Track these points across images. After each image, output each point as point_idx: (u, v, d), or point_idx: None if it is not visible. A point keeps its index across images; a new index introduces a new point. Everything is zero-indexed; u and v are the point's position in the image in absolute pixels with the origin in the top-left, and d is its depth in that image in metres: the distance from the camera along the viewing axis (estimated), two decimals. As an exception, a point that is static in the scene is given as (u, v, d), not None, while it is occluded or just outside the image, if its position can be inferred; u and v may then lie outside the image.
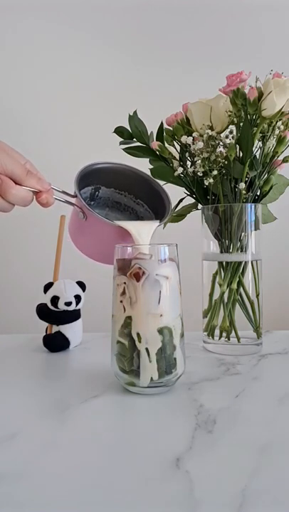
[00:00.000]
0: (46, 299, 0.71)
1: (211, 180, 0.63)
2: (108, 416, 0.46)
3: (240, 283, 0.68)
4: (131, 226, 0.54)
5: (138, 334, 0.49)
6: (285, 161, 0.66)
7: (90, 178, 0.58)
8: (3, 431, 0.42)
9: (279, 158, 0.67)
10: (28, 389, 0.54)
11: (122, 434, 0.42)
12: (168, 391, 0.51)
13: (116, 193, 0.62)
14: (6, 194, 0.47)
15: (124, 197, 0.62)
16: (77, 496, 0.32)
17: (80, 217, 0.55)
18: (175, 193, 0.72)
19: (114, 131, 0.72)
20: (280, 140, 0.64)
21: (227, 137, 0.65)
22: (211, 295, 0.70)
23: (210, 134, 0.62)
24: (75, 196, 0.55)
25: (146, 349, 0.48)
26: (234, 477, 0.34)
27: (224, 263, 0.68)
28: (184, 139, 0.65)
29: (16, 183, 0.48)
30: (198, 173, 0.65)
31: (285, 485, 0.33)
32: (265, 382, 0.55)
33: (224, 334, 0.68)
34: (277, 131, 0.62)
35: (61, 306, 0.69)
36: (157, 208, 0.61)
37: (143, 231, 0.54)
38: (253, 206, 0.67)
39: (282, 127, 0.62)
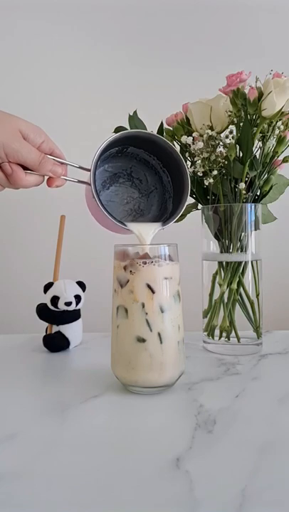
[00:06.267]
0: (46, 299, 0.71)
1: (211, 180, 0.63)
2: (108, 416, 0.46)
3: (240, 283, 0.68)
4: (133, 227, 0.53)
5: (138, 334, 0.49)
6: (285, 161, 0.66)
7: (118, 143, 0.55)
8: (3, 431, 0.42)
9: (279, 158, 0.67)
10: (28, 389, 0.54)
11: (122, 434, 0.42)
12: (168, 391, 0.51)
13: (145, 154, 0.59)
14: (16, 184, 0.47)
15: (153, 159, 0.59)
16: (76, 495, 0.32)
17: (91, 197, 0.52)
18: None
19: (114, 131, 0.72)
20: (280, 140, 0.64)
21: (227, 137, 0.65)
22: (211, 295, 0.70)
23: (210, 134, 0.62)
24: (90, 170, 0.53)
25: (146, 349, 0.48)
26: (234, 477, 0.34)
27: (224, 263, 0.68)
28: (184, 139, 0.65)
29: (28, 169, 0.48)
30: (198, 173, 0.65)
31: (285, 485, 0.33)
32: (265, 382, 0.55)
33: (224, 334, 0.68)
34: (277, 131, 0.62)
35: (61, 306, 0.69)
36: (177, 189, 0.58)
37: (145, 233, 0.53)
38: (253, 206, 0.67)
39: (282, 127, 0.62)
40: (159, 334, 0.49)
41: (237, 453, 0.37)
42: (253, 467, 0.35)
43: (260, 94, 0.59)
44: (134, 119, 0.71)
